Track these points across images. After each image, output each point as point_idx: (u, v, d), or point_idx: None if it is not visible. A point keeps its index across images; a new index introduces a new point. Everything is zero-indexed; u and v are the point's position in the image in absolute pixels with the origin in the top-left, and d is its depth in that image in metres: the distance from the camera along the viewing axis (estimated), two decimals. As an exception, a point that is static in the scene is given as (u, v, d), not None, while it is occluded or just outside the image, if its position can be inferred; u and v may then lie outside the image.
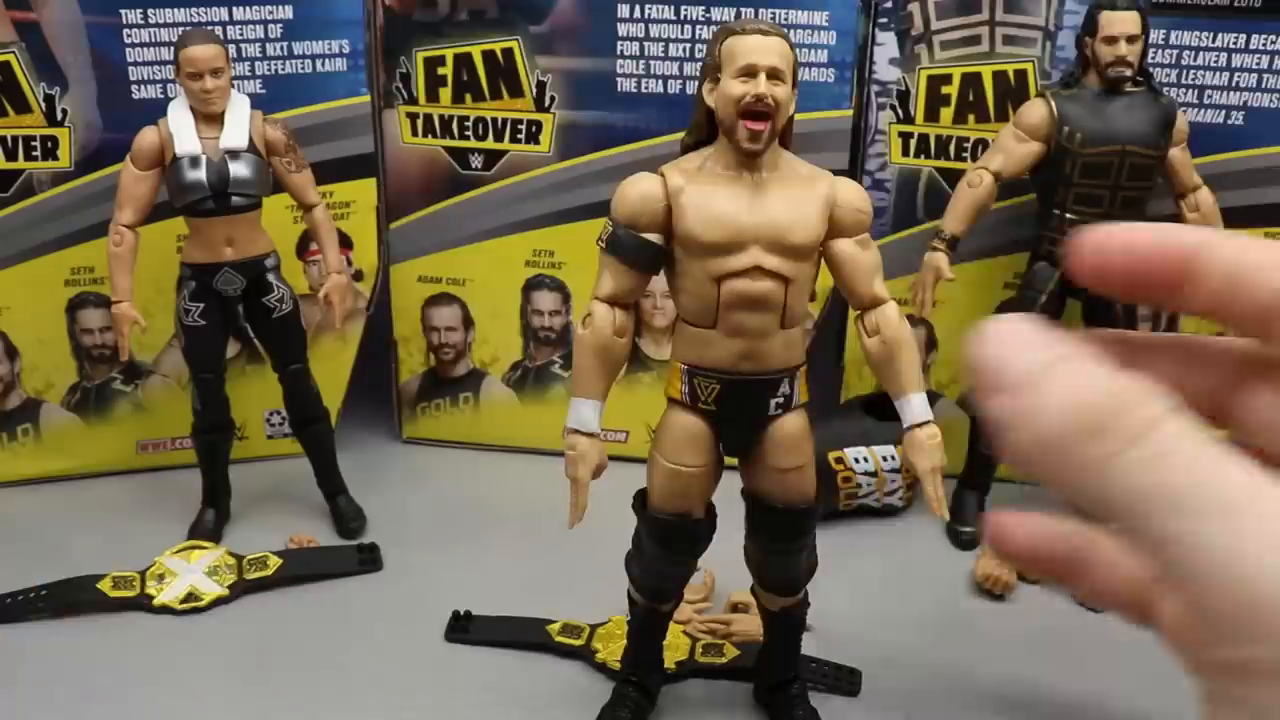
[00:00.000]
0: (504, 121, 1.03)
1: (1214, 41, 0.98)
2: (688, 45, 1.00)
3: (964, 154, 1.02)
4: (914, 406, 0.58)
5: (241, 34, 0.99)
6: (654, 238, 0.61)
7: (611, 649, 0.81)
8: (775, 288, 0.59)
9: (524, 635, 0.80)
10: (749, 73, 0.58)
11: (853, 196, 0.60)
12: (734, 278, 0.59)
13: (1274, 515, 0.44)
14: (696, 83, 0.63)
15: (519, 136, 1.03)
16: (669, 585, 0.69)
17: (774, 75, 0.58)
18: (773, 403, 0.62)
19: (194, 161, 0.88)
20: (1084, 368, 0.51)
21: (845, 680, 0.77)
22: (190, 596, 0.88)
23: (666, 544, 0.67)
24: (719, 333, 0.61)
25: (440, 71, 1.02)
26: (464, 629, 0.81)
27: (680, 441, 0.64)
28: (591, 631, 0.83)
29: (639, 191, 0.61)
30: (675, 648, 0.80)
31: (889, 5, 1.00)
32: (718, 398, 0.62)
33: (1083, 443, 0.45)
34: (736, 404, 0.62)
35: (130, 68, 0.97)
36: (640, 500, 0.66)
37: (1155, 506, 0.44)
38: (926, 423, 0.57)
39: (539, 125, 1.03)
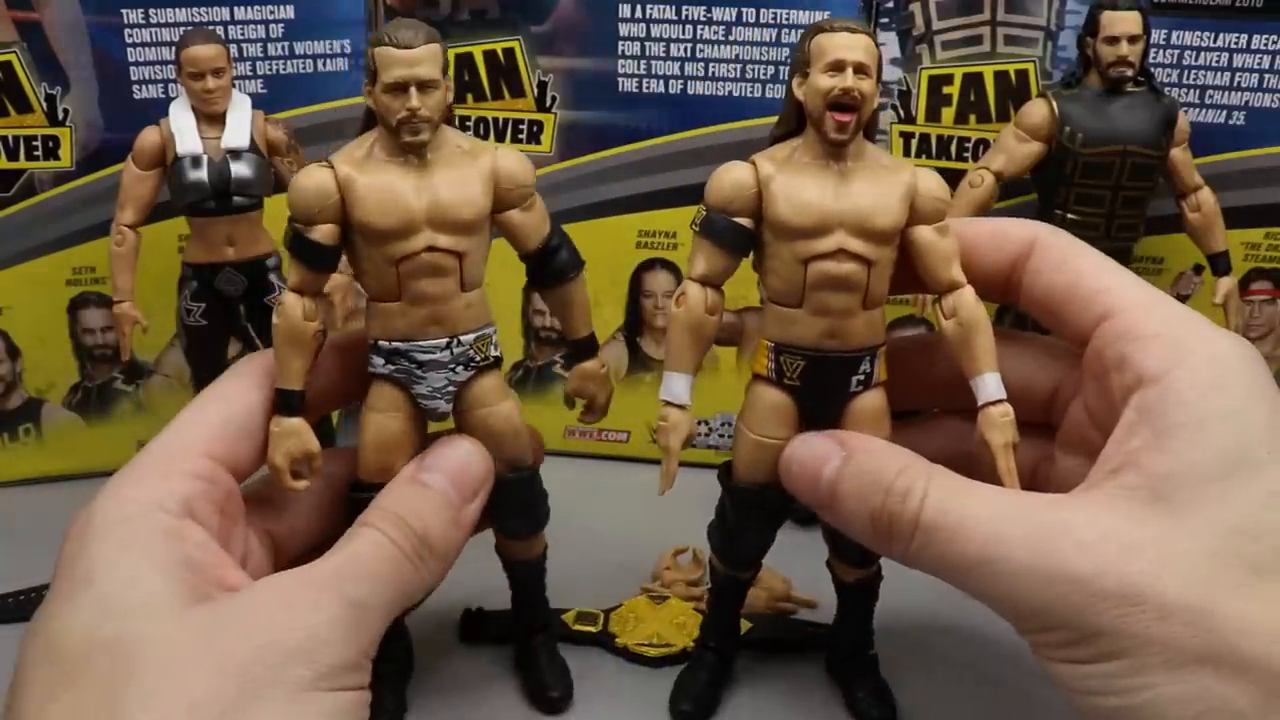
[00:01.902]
0: (505, 121, 1.03)
1: (1215, 42, 0.98)
2: (689, 45, 1.00)
3: (965, 154, 1.02)
4: (988, 385, 0.60)
5: (243, 34, 0.99)
6: (745, 222, 0.63)
7: (630, 632, 0.82)
8: (858, 269, 0.62)
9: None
10: (837, 68, 0.60)
11: (933, 186, 0.62)
12: (820, 259, 0.62)
13: (1006, 526, 0.50)
14: (786, 79, 0.67)
15: (520, 136, 1.03)
16: (750, 554, 0.72)
17: (860, 70, 0.60)
18: (854, 380, 0.64)
19: (195, 161, 0.88)
20: (860, 474, 0.57)
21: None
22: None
23: (750, 512, 0.69)
24: (805, 311, 0.63)
25: (441, 71, 1.02)
26: (477, 627, 0.82)
27: (766, 415, 0.66)
28: (606, 617, 0.83)
29: (732, 179, 0.63)
30: (690, 626, 0.82)
31: (890, 5, 1.00)
32: (802, 373, 0.64)
33: (884, 546, 0.54)
34: (820, 380, 0.64)
35: (131, 67, 0.97)
36: (726, 472, 0.69)
37: (954, 573, 0.51)
38: (1000, 401, 0.60)
39: (540, 125, 1.03)
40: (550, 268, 0.68)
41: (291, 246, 0.63)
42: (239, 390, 0.62)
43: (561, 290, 0.70)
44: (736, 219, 0.63)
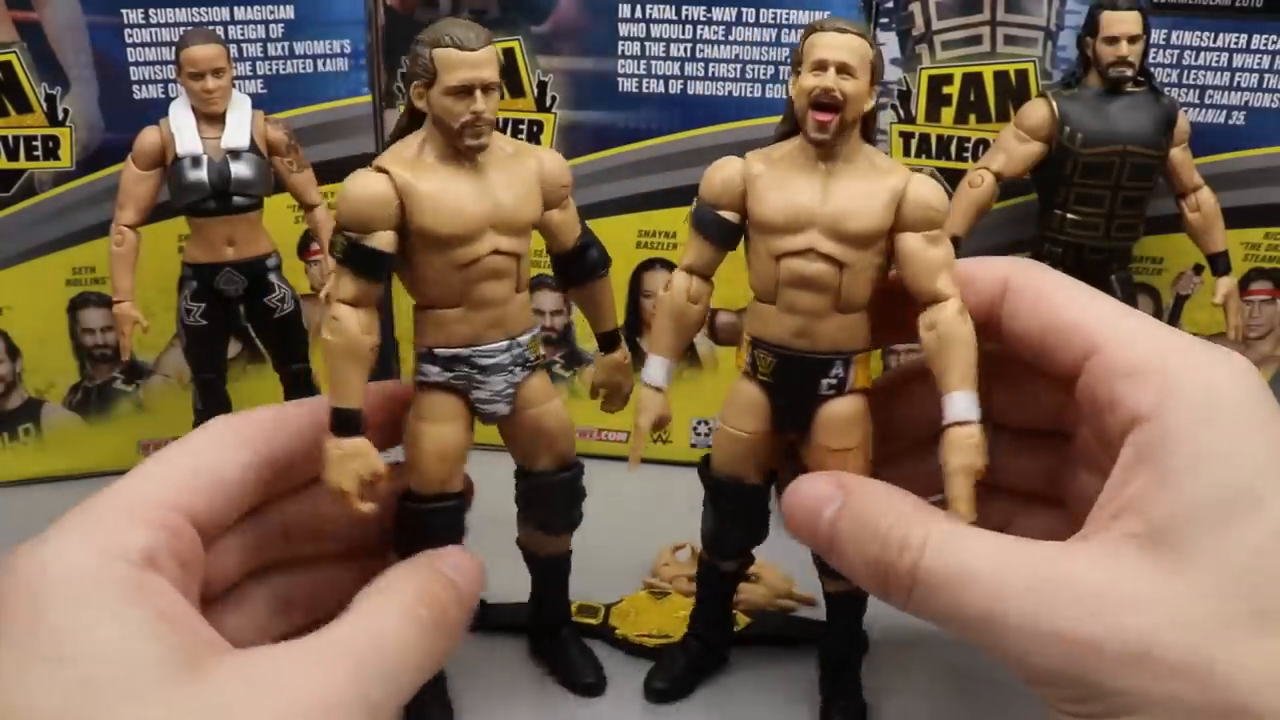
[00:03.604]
0: (505, 122, 1.03)
1: (1215, 42, 0.98)
2: (689, 45, 1.00)
3: (965, 154, 1.02)
4: (956, 404, 0.57)
5: (243, 34, 0.99)
6: (732, 216, 0.64)
7: (629, 624, 0.83)
8: (828, 270, 0.61)
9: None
10: (820, 67, 0.60)
11: (923, 193, 0.60)
12: (790, 256, 0.62)
13: (1009, 584, 0.50)
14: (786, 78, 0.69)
15: (520, 136, 1.03)
16: (731, 544, 0.73)
17: (843, 70, 0.60)
18: (824, 383, 0.64)
19: (195, 161, 0.88)
20: (856, 520, 0.55)
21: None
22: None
23: (719, 504, 0.70)
24: (777, 308, 0.63)
25: (441, 71, 1.02)
26: (482, 617, 0.82)
27: (739, 408, 0.67)
28: (608, 610, 0.85)
29: (722, 174, 0.65)
30: (686, 621, 0.82)
31: (890, 5, 1.00)
32: (773, 370, 0.64)
33: (883, 596, 0.52)
34: (789, 378, 0.64)
35: (131, 68, 0.97)
36: (705, 463, 0.70)
37: (954, 627, 0.51)
38: (967, 422, 0.57)
39: (540, 125, 1.03)
40: (583, 265, 0.69)
41: (346, 257, 0.58)
42: (206, 444, 0.56)
43: (592, 287, 0.71)
44: (723, 213, 0.64)
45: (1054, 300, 0.57)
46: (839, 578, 0.70)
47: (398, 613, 0.52)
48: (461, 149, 0.60)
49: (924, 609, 0.52)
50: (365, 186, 0.58)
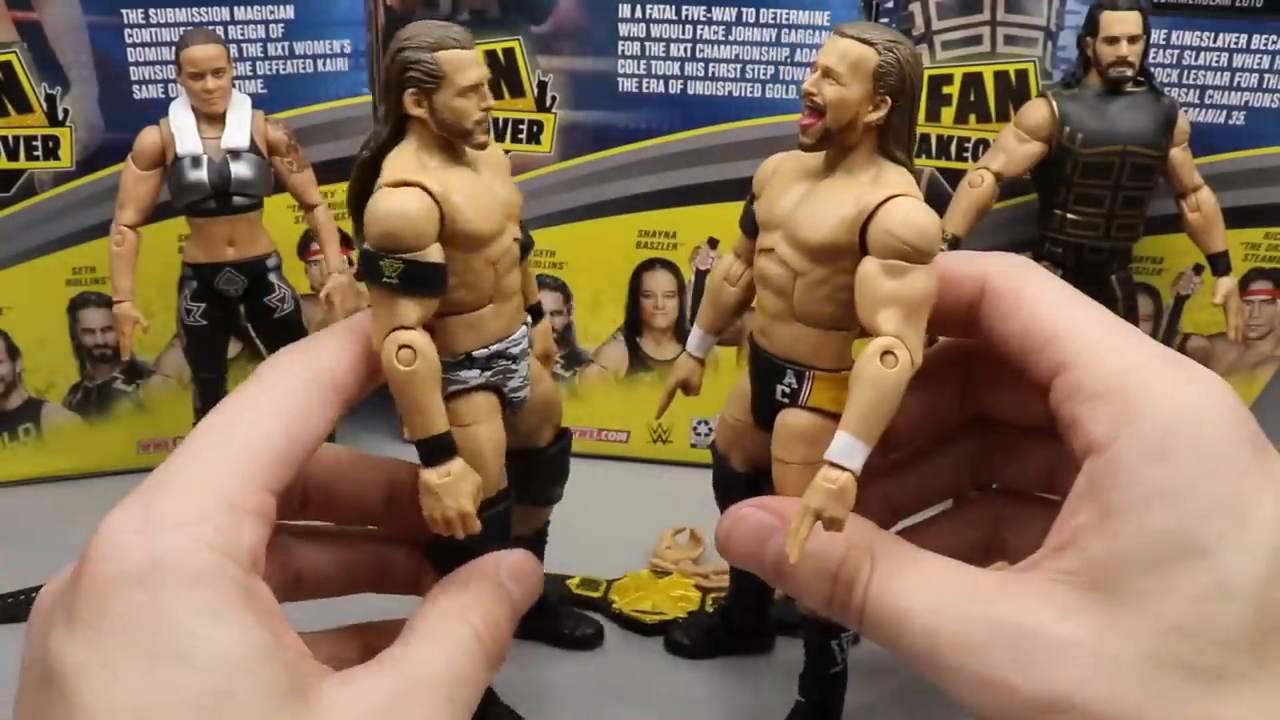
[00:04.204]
0: (505, 122, 1.03)
1: (1215, 42, 0.98)
2: (689, 45, 1.00)
3: (965, 154, 1.02)
4: (835, 443, 0.53)
5: (243, 34, 0.99)
6: (756, 208, 0.66)
7: (627, 600, 0.86)
8: (782, 274, 0.61)
9: (545, 589, 0.83)
10: (815, 69, 0.59)
11: (891, 219, 0.55)
12: (760, 254, 0.63)
13: (936, 585, 0.50)
14: (787, 79, 0.72)
15: (520, 136, 1.03)
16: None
17: (827, 74, 0.58)
18: (779, 388, 0.63)
19: (195, 161, 0.88)
20: (805, 557, 0.52)
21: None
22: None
23: (723, 484, 0.72)
24: (756, 303, 0.65)
25: (441, 71, 1.02)
26: None
27: (736, 395, 0.69)
28: (608, 585, 0.87)
29: (760, 168, 0.66)
30: (688, 600, 0.86)
31: (890, 5, 1.00)
32: (750, 360, 0.66)
33: (842, 621, 0.50)
34: (757, 375, 0.65)
35: (131, 68, 0.97)
36: (714, 444, 0.73)
37: (901, 656, 0.50)
38: (836, 465, 0.52)
39: (540, 125, 1.03)
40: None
41: (405, 280, 0.55)
42: (299, 406, 0.50)
43: (524, 266, 0.72)
44: (755, 204, 0.65)
45: (1033, 307, 0.53)
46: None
47: (469, 638, 0.51)
48: (472, 146, 0.60)
49: (874, 639, 0.51)
50: (408, 203, 0.55)
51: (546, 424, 0.71)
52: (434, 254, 0.56)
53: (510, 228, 0.62)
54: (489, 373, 0.62)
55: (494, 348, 0.62)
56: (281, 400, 0.50)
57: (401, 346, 0.55)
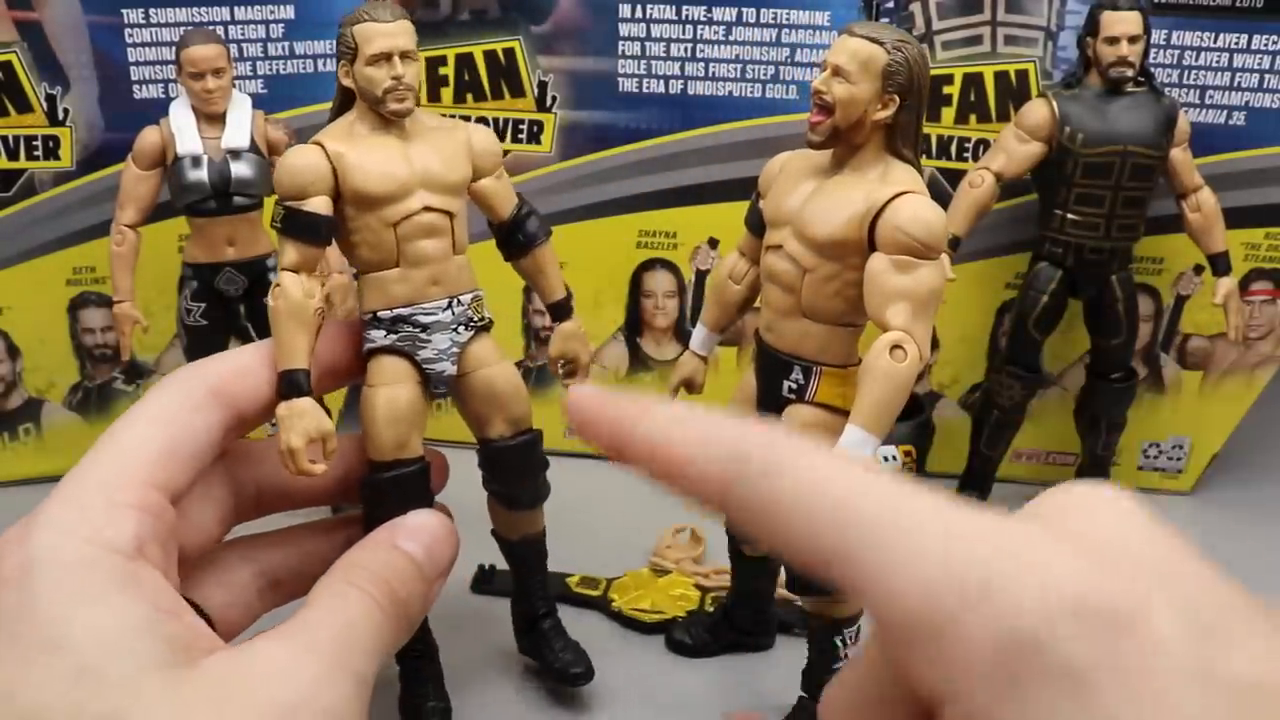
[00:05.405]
0: (505, 121, 1.03)
1: (1215, 42, 0.98)
2: (689, 45, 1.00)
3: (965, 154, 1.02)
4: (846, 435, 0.54)
5: (243, 34, 0.99)
6: (762, 205, 0.67)
7: (626, 598, 0.86)
8: (790, 270, 0.61)
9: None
10: (824, 67, 0.60)
11: (901, 215, 0.56)
12: (769, 251, 0.64)
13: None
14: (786, 79, 0.74)
15: (520, 136, 1.03)
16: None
17: (837, 73, 0.58)
18: (785, 384, 0.64)
19: (195, 161, 0.88)
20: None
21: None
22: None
23: None
24: (762, 300, 0.66)
25: (442, 71, 1.02)
26: (489, 580, 0.88)
27: (740, 390, 0.70)
28: (608, 584, 0.88)
29: (767, 169, 0.67)
30: (687, 599, 0.86)
31: (890, 5, 1.00)
32: (755, 358, 0.66)
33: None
34: (763, 371, 0.65)
35: (132, 67, 0.97)
36: None
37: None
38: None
39: (540, 125, 1.03)
40: (523, 233, 0.71)
41: (284, 225, 0.63)
42: (175, 407, 0.53)
43: (534, 255, 0.72)
44: (760, 202, 0.66)
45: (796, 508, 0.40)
46: (818, 593, 0.69)
47: (364, 604, 0.53)
48: (387, 114, 0.64)
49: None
50: (299, 157, 0.63)
51: (497, 415, 0.69)
52: (316, 205, 0.62)
53: (421, 195, 0.64)
54: (395, 336, 0.65)
55: (398, 311, 0.65)
56: (155, 408, 0.53)
57: (275, 284, 0.61)
